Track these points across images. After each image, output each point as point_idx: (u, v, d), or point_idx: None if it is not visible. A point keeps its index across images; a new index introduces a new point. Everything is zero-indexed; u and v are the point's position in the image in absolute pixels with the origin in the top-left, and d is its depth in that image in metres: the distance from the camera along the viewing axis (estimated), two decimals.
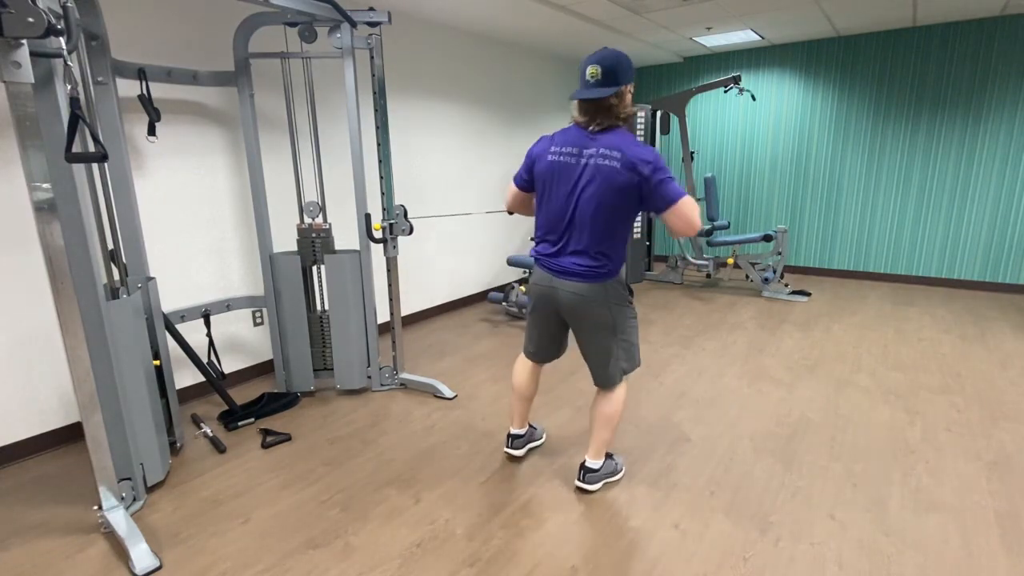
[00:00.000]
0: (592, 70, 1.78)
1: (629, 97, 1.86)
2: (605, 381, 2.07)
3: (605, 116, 1.81)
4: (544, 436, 2.58)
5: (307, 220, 2.97)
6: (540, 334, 2.18)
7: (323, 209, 2.98)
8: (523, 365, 2.30)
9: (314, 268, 3.07)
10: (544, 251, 1.99)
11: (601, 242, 1.86)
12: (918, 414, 2.75)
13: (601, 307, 1.93)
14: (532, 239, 2.18)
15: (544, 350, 2.23)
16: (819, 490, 2.14)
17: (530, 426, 2.48)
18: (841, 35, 5.37)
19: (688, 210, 1.76)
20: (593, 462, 2.15)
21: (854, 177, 5.60)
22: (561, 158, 1.87)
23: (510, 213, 2.18)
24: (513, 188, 2.09)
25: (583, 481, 2.14)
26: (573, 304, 1.95)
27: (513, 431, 2.38)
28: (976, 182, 5.05)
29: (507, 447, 2.39)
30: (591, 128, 1.83)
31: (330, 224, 2.98)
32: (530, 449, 2.47)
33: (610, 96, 1.78)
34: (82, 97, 1.80)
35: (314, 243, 2.97)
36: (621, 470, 2.26)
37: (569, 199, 1.87)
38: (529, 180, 2.01)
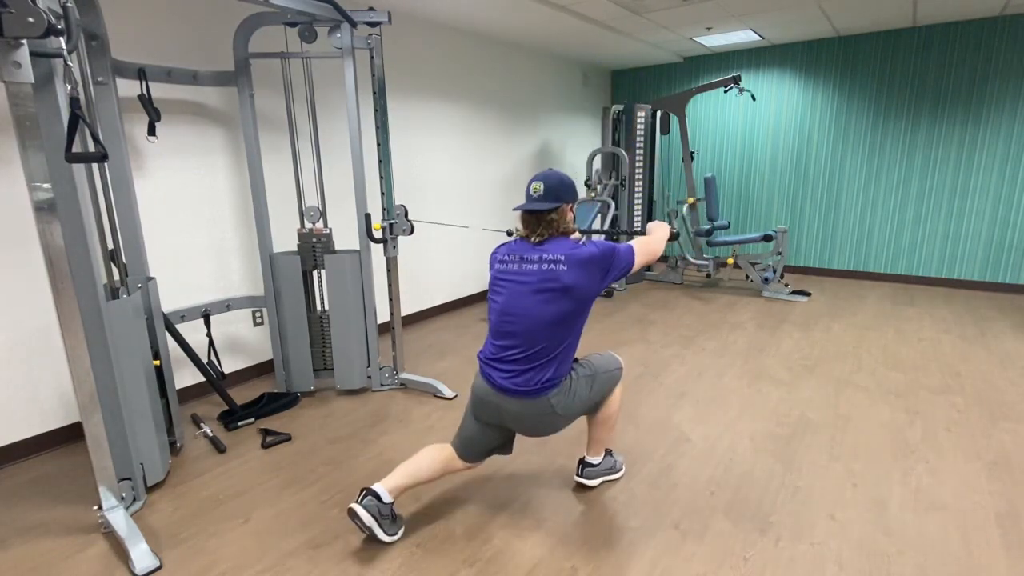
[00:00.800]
0: (536, 186, 1.85)
1: (570, 216, 1.90)
2: (598, 411, 2.05)
3: (546, 228, 1.84)
4: (401, 532, 1.92)
5: (308, 225, 2.97)
6: (479, 435, 1.98)
7: (323, 214, 2.97)
8: (442, 453, 1.98)
9: (315, 273, 3.07)
10: (487, 354, 1.90)
11: (549, 350, 1.80)
12: (918, 414, 2.75)
13: (554, 416, 1.87)
14: None
15: (479, 451, 2.00)
16: (819, 490, 2.14)
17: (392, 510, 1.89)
18: (841, 35, 5.37)
19: (644, 254, 1.91)
20: (593, 458, 2.16)
21: (854, 177, 5.60)
22: (505, 266, 1.87)
23: None
24: None
25: (582, 476, 2.15)
26: (519, 417, 1.87)
27: (376, 487, 1.83)
28: (976, 182, 5.05)
29: (357, 500, 1.82)
30: (532, 239, 1.85)
31: (331, 229, 2.98)
32: (372, 526, 1.82)
33: (550, 211, 1.83)
34: (82, 97, 1.80)
35: (315, 248, 2.98)
36: (620, 469, 2.26)
37: (510, 305, 1.82)
38: None
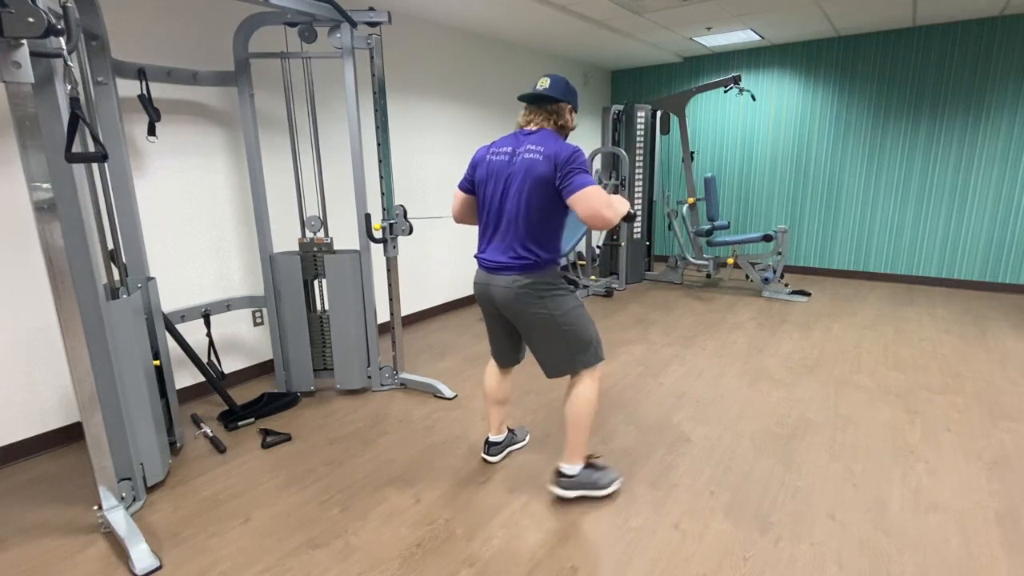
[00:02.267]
0: (542, 80, 1.96)
1: (570, 116, 1.99)
2: (557, 374, 2.03)
3: (544, 119, 1.95)
4: (528, 438, 2.55)
5: (308, 235, 2.97)
6: (494, 336, 2.21)
7: (324, 223, 2.97)
8: (491, 369, 2.32)
9: (315, 281, 3.07)
10: (481, 249, 2.04)
11: (529, 235, 1.91)
12: (918, 414, 2.75)
13: (533, 298, 1.93)
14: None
15: (501, 353, 2.24)
16: (819, 490, 2.14)
17: (510, 431, 2.47)
18: (841, 35, 5.37)
19: (592, 200, 1.74)
20: (568, 467, 2.06)
21: (854, 177, 5.60)
22: (496, 158, 1.96)
23: (457, 221, 2.19)
24: (458, 193, 2.11)
25: (556, 485, 2.08)
26: (506, 299, 1.96)
27: (491, 438, 2.38)
28: (976, 182, 5.05)
29: (484, 453, 2.39)
30: (528, 127, 1.96)
31: (331, 239, 2.98)
32: (510, 452, 2.44)
33: (552, 101, 1.94)
34: (82, 97, 1.80)
35: (315, 257, 2.98)
36: (607, 487, 2.09)
37: (501, 195, 1.94)
38: (472, 183, 2.06)
